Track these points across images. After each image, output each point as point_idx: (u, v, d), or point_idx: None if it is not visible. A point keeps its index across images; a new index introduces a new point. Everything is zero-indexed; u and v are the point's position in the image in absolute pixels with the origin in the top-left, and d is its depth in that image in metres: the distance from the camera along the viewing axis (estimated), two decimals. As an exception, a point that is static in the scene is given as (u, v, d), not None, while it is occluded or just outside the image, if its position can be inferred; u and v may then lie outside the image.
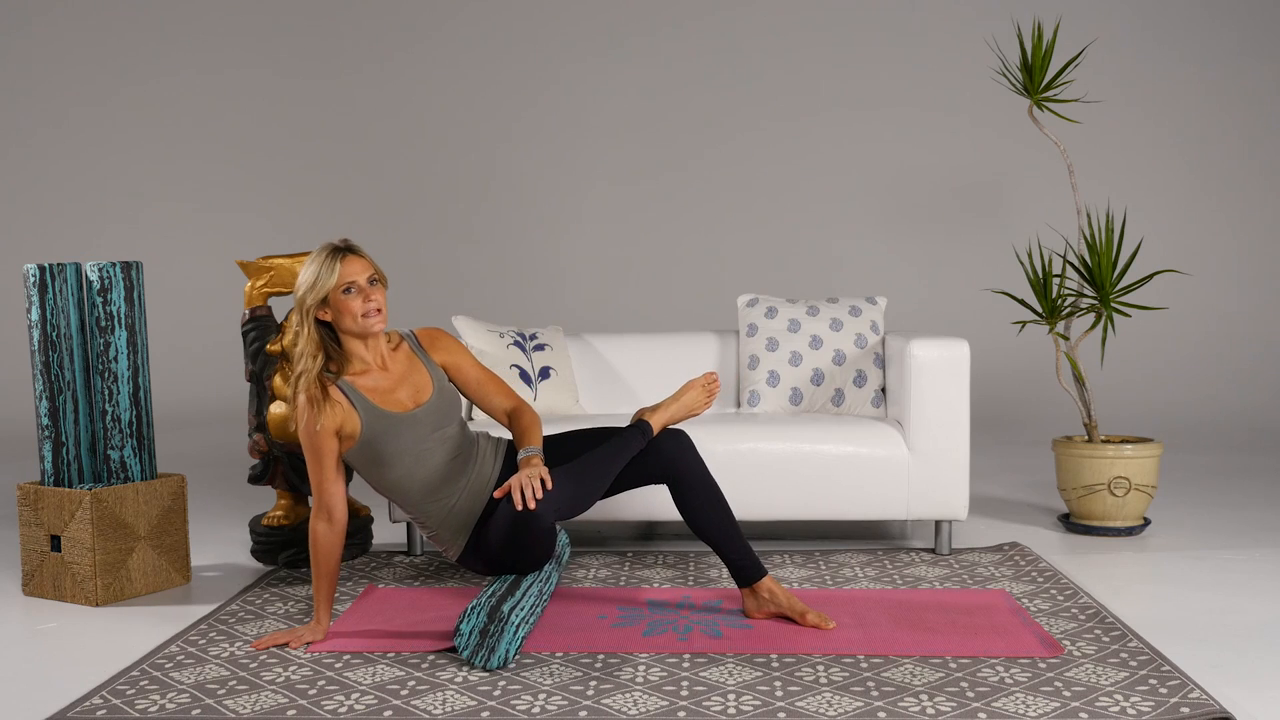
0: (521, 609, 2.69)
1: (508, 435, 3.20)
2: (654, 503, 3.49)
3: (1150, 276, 4.18)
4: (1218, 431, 6.08)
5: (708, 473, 2.94)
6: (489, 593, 2.74)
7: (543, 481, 2.70)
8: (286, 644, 2.79)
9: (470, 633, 2.60)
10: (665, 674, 2.55)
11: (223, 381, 6.62)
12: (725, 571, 3.43)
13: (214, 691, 2.49)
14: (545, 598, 2.91)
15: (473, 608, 2.65)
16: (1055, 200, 6.53)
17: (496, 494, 2.77)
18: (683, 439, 2.96)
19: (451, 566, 3.55)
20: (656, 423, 2.97)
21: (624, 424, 3.18)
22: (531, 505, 2.65)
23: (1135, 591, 3.24)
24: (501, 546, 2.82)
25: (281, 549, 3.57)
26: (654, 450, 2.92)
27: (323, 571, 2.83)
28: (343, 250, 2.77)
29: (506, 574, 2.93)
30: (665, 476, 2.93)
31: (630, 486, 2.97)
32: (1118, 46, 7.02)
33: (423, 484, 2.89)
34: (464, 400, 3.36)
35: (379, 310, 2.79)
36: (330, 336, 2.83)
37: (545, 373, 3.91)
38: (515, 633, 2.60)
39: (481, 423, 3.75)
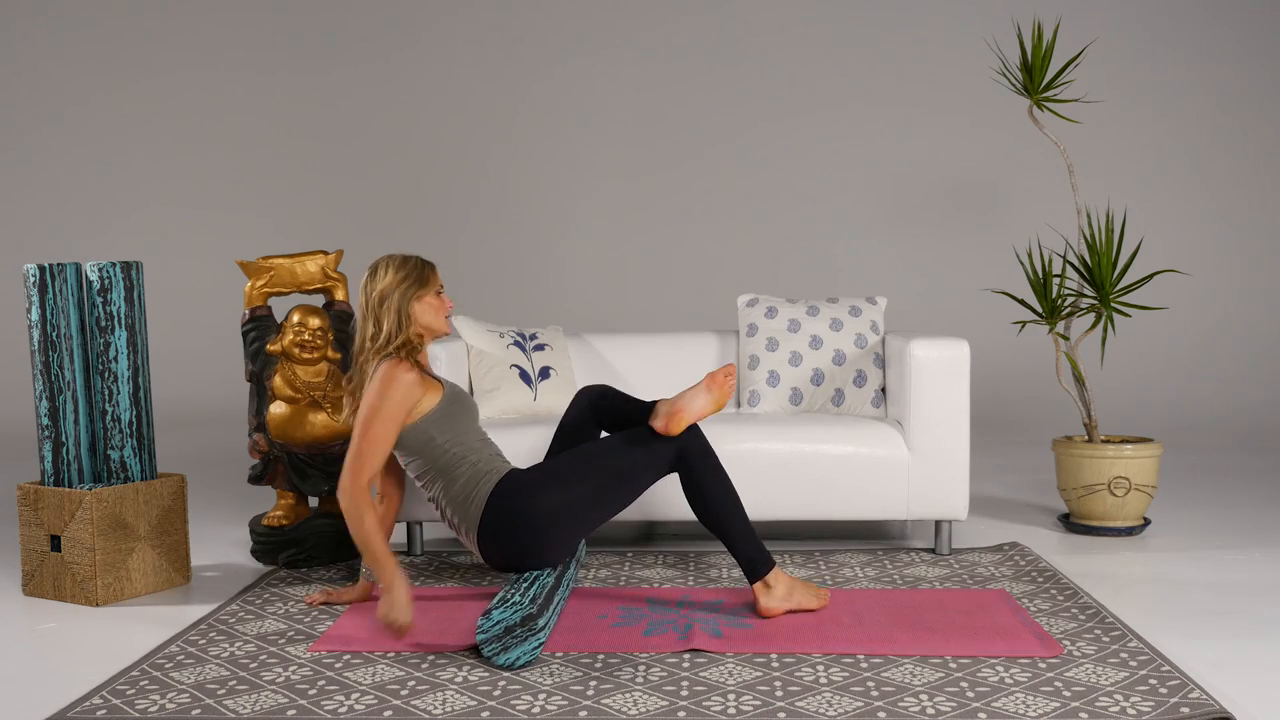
0: (550, 625, 2.72)
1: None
2: (654, 503, 3.49)
3: (1150, 276, 4.18)
4: (1218, 431, 6.08)
5: (717, 461, 3.02)
6: (529, 596, 2.72)
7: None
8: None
9: (499, 624, 2.60)
10: (665, 674, 2.55)
11: (223, 381, 6.62)
12: (725, 571, 3.44)
13: (214, 691, 2.49)
14: (562, 606, 2.95)
15: (510, 601, 2.66)
16: (1055, 200, 6.54)
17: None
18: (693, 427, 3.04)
19: (451, 566, 3.55)
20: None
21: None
22: None
23: (1135, 591, 3.25)
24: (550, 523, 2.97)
25: (281, 549, 3.57)
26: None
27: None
28: (429, 263, 3.16)
29: (528, 565, 2.99)
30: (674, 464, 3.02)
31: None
32: (1118, 46, 7.03)
33: (480, 441, 3.11)
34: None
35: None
36: None
37: (545, 373, 3.91)
38: (537, 644, 2.61)
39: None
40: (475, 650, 2.72)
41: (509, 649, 2.59)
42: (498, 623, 2.60)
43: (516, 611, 2.61)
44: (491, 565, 3.05)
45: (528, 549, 2.96)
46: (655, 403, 3.07)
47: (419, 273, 3.09)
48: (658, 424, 2.98)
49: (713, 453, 3.01)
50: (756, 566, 2.97)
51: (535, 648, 2.60)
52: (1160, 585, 3.32)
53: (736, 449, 3.52)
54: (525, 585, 2.81)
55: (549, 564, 3.02)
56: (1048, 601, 3.08)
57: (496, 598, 2.73)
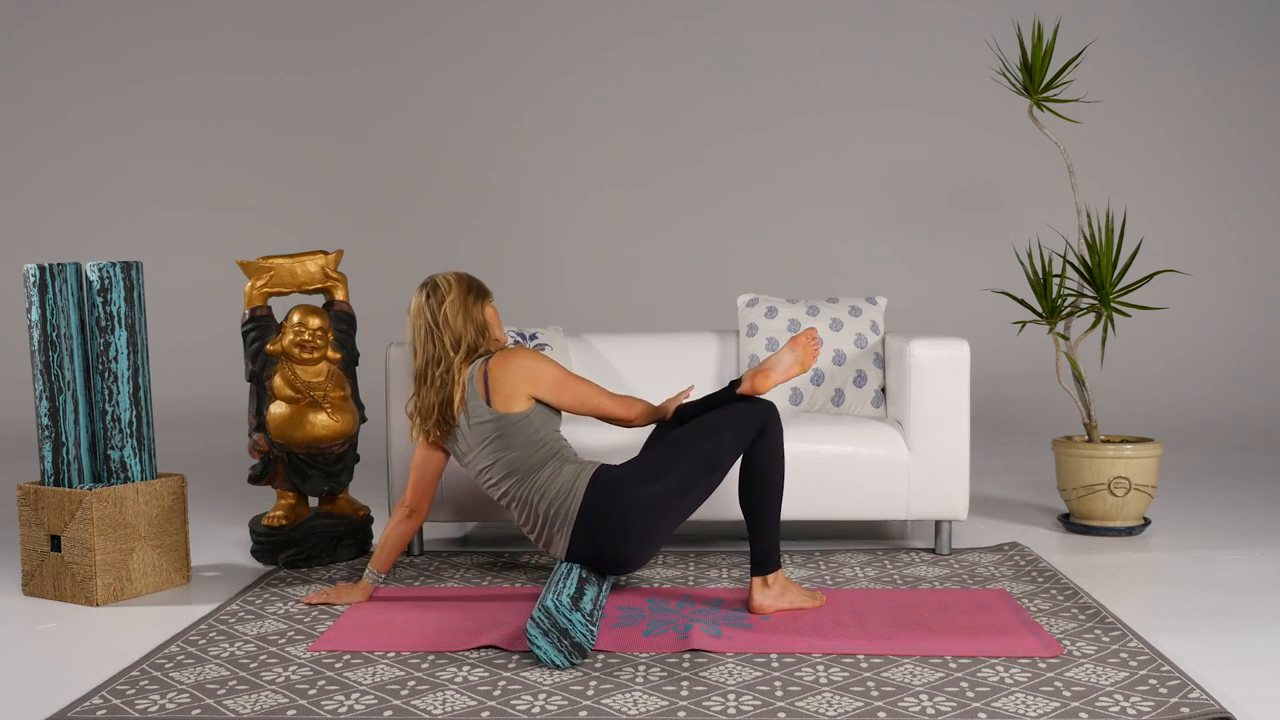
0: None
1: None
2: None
3: (1150, 276, 4.18)
4: (1218, 431, 6.08)
5: (783, 452, 3.04)
6: (597, 624, 2.70)
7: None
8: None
9: (567, 623, 2.59)
10: (665, 674, 2.55)
11: (223, 381, 6.62)
12: (725, 571, 3.44)
13: (214, 691, 2.49)
14: None
15: (594, 619, 2.66)
16: (1055, 200, 6.53)
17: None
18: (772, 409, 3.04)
19: (451, 566, 3.55)
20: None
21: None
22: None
23: (1135, 591, 3.25)
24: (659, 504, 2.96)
25: (281, 549, 3.57)
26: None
27: None
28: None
29: (618, 561, 2.99)
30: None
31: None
32: (1118, 46, 7.03)
33: (565, 440, 3.16)
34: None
35: None
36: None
37: (545, 373, 3.91)
38: (564, 663, 2.60)
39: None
40: (476, 650, 2.72)
41: (548, 638, 2.58)
42: (569, 621, 2.59)
43: (585, 633, 2.60)
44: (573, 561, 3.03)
45: (625, 542, 2.96)
46: (735, 380, 3.11)
47: (479, 285, 3.12)
48: (744, 385, 3.02)
49: (782, 444, 3.02)
50: (767, 562, 2.99)
51: (561, 663, 2.59)
52: (1160, 585, 3.32)
53: (736, 449, 3.52)
54: (599, 606, 2.82)
55: (641, 560, 3.03)
56: (1048, 601, 3.08)
57: (586, 597, 2.75)
